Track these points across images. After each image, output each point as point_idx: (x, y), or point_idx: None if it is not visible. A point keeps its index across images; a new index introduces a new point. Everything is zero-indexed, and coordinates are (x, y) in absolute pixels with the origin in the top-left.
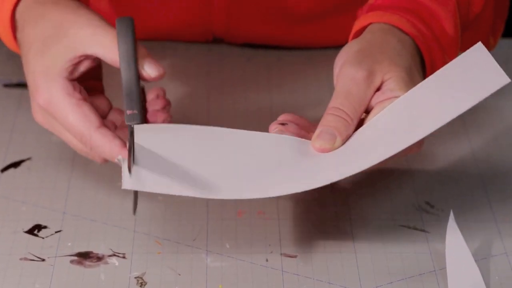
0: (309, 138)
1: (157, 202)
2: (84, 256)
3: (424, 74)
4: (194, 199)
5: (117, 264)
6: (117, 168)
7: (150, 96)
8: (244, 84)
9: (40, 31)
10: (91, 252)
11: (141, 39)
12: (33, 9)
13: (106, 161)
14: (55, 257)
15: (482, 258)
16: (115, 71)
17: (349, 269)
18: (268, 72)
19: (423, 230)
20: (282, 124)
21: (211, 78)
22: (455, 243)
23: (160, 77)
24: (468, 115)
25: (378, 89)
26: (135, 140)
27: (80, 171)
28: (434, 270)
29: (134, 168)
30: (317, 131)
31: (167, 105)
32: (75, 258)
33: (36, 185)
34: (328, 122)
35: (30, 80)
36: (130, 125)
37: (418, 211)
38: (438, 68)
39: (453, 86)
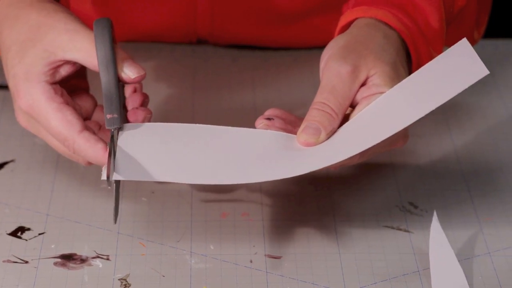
0: (295, 133)
1: (141, 203)
2: (67, 258)
3: (410, 68)
4: (178, 201)
5: (101, 266)
6: (101, 170)
7: (128, 91)
8: (229, 85)
9: (17, 34)
10: (75, 254)
11: (126, 40)
12: (9, 12)
13: (90, 163)
14: (39, 259)
15: (465, 258)
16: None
17: (333, 270)
18: (253, 72)
19: (406, 231)
20: (268, 119)
21: (196, 79)
22: (438, 244)
23: (140, 78)
24: (451, 116)
25: (363, 84)
26: (118, 139)
27: (64, 173)
28: (418, 271)
29: (118, 160)
30: (302, 126)
31: (145, 99)
32: (59, 260)
33: (20, 187)
34: (313, 117)
35: (11, 84)
36: (111, 130)
37: (402, 211)
38: (424, 62)
39: (437, 79)
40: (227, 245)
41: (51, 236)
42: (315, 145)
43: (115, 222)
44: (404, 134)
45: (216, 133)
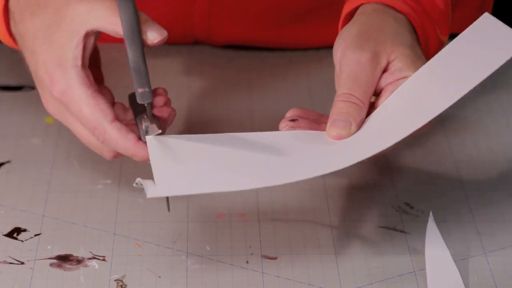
0: (321, 130)
1: (137, 204)
2: (63, 259)
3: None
4: (174, 202)
5: (97, 266)
6: (97, 170)
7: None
8: (225, 86)
9: (41, 21)
10: (71, 255)
11: (122, 41)
12: (28, 1)
13: (115, 157)
14: (35, 260)
15: (461, 259)
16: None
17: (329, 271)
18: (249, 73)
19: (402, 231)
20: (292, 120)
21: (191, 80)
22: (434, 244)
23: (162, 41)
24: (446, 116)
25: (385, 70)
26: (150, 152)
27: (60, 174)
28: (414, 271)
29: (157, 176)
30: (330, 120)
31: (168, 100)
32: (55, 261)
33: (16, 188)
34: (340, 109)
35: (41, 71)
36: (144, 104)
37: (398, 212)
38: (432, 45)
39: (466, 57)
40: (223, 246)
41: (47, 237)
42: (347, 137)
43: (169, 210)
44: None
45: (245, 139)
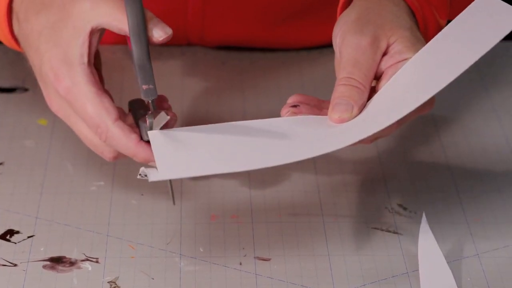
0: (323, 115)
1: (131, 206)
2: (57, 261)
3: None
4: (167, 203)
5: (90, 268)
6: (90, 172)
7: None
8: (218, 87)
9: (46, 18)
10: (64, 257)
11: (114, 43)
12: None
13: (116, 158)
14: (28, 262)
15: (454, 260)
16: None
17: (322, 272)
18: (241, 75)
19: (396, 233)
20: (294, 106)
21: (184, 81)
22: (427, 245)
23: (167, 39)
24: (440, 117)
25: (385, 53)
26: (152, 142)
27: (53, 176)
28: (407, 272)
29: (158, 161)
30: (332, 104)
31: (169, 107)
32: (48, 263)
33: (9, 190)
34: (341, 93)
35: (46, 68)
36: (148, 101)
37: (391, 213)
38: (431, 29)
39: (465, 36)
40: (217, 248)
41: (40, 239)
42: (349, 120)
43: (174, 203)
44: (430, 100)
45: (247, 126)
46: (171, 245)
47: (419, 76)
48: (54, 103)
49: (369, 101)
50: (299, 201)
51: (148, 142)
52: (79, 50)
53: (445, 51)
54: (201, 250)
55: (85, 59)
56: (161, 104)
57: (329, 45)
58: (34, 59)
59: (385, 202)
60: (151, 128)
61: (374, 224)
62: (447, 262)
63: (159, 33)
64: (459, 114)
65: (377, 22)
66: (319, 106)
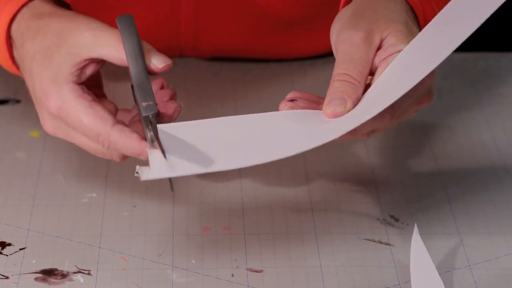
0: (320, 110)
1: (123, 218)
2: (48, 273)
3: (420, 30)
4: (159, 215)
5: (82, 281)
6: (82, 184)
7: (154, 88)
8: (210, 98)
9: (40, 43)
10: (56, 269)
11: None
12: (30, 24)
13: (125, 158)
14: (19, 274)
15: (446, 271)
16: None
17: (314, 284)
18: (234, 86)
19: (387, 244)
20: (291, 100)
21: (177, 93)
22: (419, 256)
23: (168, 68)
24: (431, 128)
25: (379, 48)
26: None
27: (45, 188)
28: (399, 284)
29: (159, 157)
30: (327, 99)
31: (174, 94)
32: (40, 275)
33: (1, 202)
34: (335, 88)
35: (38, 91)
36: (149, 116)
37: (383, 224)
38: None
39: (452, 22)
40: (209, 259)
41: (32, 251)
42: (342, 115)
43: (172, 190)
44: (428, 91)
45: (248, 120)
46: (163, 257)
47: (408, 64)
48: (49, 125)
49: (364, 95)
50: (291, 213)
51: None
52: (68, 70)
53: (433, 39)
54: (193, 261)
55: (74, 78)
56: (159, 93)
57: (321, 56)
58: (28, 83)
59: (377, 213)
60: (152, 142)
61: (366, 235)
62: (439, 273)
63: (159, 62)
64: (451, 124)
65: (371, 18)
66: (316, 101)
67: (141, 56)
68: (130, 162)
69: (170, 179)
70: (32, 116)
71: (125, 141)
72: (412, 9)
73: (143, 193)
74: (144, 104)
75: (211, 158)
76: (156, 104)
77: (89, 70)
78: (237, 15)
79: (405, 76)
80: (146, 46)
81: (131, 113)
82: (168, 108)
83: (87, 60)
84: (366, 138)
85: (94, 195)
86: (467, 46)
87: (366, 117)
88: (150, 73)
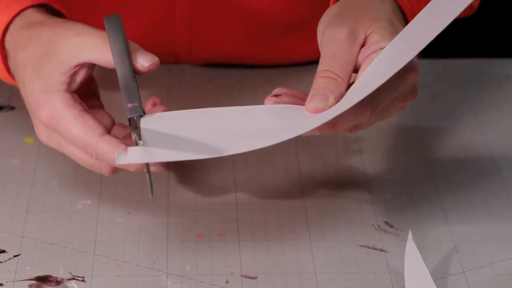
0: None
1: (117, 224)
2: (43, 280)
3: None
4: (154, 221)
5: (76, 287)
6: (76, 191)
7: (148, 106)
8: (205, 105)
9: (31, 52)
10: (50, 276)
11: None
12: (22, 34)
13: (114, 171)
14: (14, 281)
15: (440, 277)
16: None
17: None
18: (228, 92)
19: (382, 250)
20: (276, 96)
21: (171, 99)
22: (413, 263)
23: (154, 66)
24: (426, 134)
25: (363, 45)
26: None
27: (39, 194)
28: None
29: (143, 142)
30: (310, 95)
31: (165, 111)
32: (34, 282)
33: None
34: (318, 84)
35: (30, 100)
36: (133, 118)
37: (377, 230)
38: None
39: (433, 19)
40: (203, 266)
41: (26, 258)
42: (324, 110)
43: (152, 195)
44: (413, 89)
45: (229, 112)
46: (158, 263)
47: (391, 59)
48: (42, 134)
49: (346, 92)
50: (285, 219)
51: None
52: (59, 79)
53: (414, 34)
54: (188, 268)
55: (64, 87)
56: (152, 109)
57: (316, 61)
58: (22, 93)
59: (371, 219)
60: (136, 144)
61: (360, 241)
62: (433, 280)
63: (146, 59)
64: (445, 130)
65: (356, 16)
66: (302, 98)
67: (128, 57)
68: (124, 169)
69: (151, 185)
70: (26, 122)
71: (112, 151)
72: (400, 8)
73: (137, 199)
74: (129, 105)
75: (189, 146)
76: (142, 106)
77: (80, 77)
78: (232, 22)
79: (385, 69)
80: (132, 45)
81: (127, 129)
82: (154, 111)
83: (77, 66)
84: (359, 146)
85: (89, 201)
86: (461, 51)
87: (342, 109)
88: (137, 72)
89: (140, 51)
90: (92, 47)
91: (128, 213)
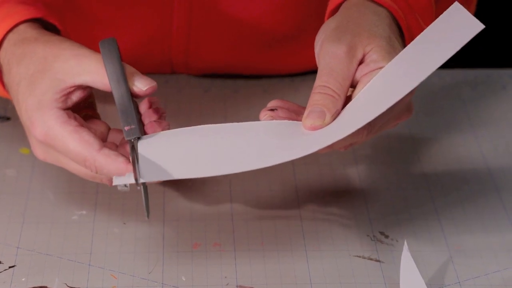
0: (300, 120)
1: (113, 235)
2: None
3: (404, 43)
4: (149, 232)
5: None
6: (72, 202)
7: (143, 108)
8: (201, 115)
9: (25, 68)
10: (46, 287)
11: None
12: (15, 50)
13: None
14: None
15: None
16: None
17: None
18: (225, 102)
19: (377, 260)
20: (272, 110)
21: (168, 109)
22: (409, 273)
23: (152, 90)
24: (421, 145)
25: (361, 62)
26: (138, 148)
27: (34, 205)
28: None
29: (141, 165)
30: (306, 111)
31: (163, 113)
32: None
33: None
34: (315, 101)
35: (24, 118)
36: (131, 140)
37: (373, 241)
38: (416, 36)
39: (433, 44)
40: (199, 276)
41: (21, 269)
42: (321, 128)
43: (148, 216)
44: (408, 107)
45: (226, 129)
46: (153, 274)
47: (389, 82)
48: (38, 151)
49: (343, 109)
50: (281, 230)
51: None
52: (52, 96)
53: (415, 58)
54: (183, 279)
55: (59, 105)
56: (146, 113)
57: (312, 72)
58: (17, 110)
59: (367, 229)
60: (133, 165)
61: (356, 252)
62: None
63: (143, 83)
64: (440, 140)
65: (354, 31)
66: (297, 111)
67: (124, 79)
68: None
69: (147, 207)
70: (21, 133)
71: (111, 165)
72: (395, 20)
73: (133, 210)
74: (126, 128)
75: (186, 166)
76: (141, 126)
77: (75, 97)
78: (228, 33)
79: (385, 95)
80: (129, 69)
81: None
82: (155, 128)
83: (72, 87)
84: (355, 157)
85: (84, 212)
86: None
87: (344, 133)
88: (135, 96)
89: (137, 76)
90: (89, 69)
91: (124, 223)
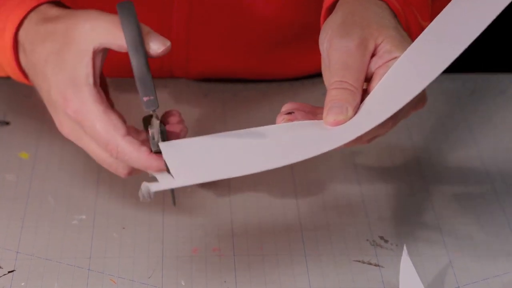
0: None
1: (112, 239)
2: None
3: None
4: (149, 236)
5: None
6: (71, 206)
7: (174, 119)
8: (200, 119)
9: (51, 45)
10: None
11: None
12: (38, 29)
13: (130, 174)
14: None
15: None
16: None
17: None
18: (224, 106)
19: (377, 265)
20: (289, 113)
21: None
22: (409, 278)
23: (166, 50)
24: (421, 149)
25: (373, 54)
26: (164, 154)
27: (34, 210)
28: None
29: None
30: (326, 108)
31: (182, 120)
32: None
33: None
34: (334, 96)
35: (54, 93)
36: (150, 111)
37: (372, 246)
38: (413, 30)
39: (453, 26)
40: (198, 281)
41: (21, 273)
42: (344, 122)
43: (175, 204)
44: (423, 96)
45: (248, 134)
46: (153, 278)
47: (409, 72)
48: (65, 127)
49: (363, 102)
50: (280, 234)
51: (157, 153)
52: (84, 71)
53: (433, 46)
54: (183, 283)
55: (91, 80)
56: (169, 118)
57: (312, 76)
58: (42, 86)
59: (366, 234)
60: (153, 138)
61: (355, 256)
62: None
63: (157, 44)
64: (439, 145)
65: (362, 24)
66: (313, 112)
67: (142, 47)
68: (119, 184)
69: (173, 194)
70: (21, 137)
71: (133, 152)
72: (394, 15)
73: (132, 214)
74: (145, 98)
75: (213, 168)
76: (157, 99)
77: (98, 66)
78: (228, 37)
79: (408, 84)
80: (144, 29)
81: (140, 134)
82: (175, 127)
83: (94, 52)
84: (354, 161)
85: (84, 217)
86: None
87: (371, 125)
88: (150, 57)
89: (152, 36)
90: (103, 31)
91: (123, 228)
